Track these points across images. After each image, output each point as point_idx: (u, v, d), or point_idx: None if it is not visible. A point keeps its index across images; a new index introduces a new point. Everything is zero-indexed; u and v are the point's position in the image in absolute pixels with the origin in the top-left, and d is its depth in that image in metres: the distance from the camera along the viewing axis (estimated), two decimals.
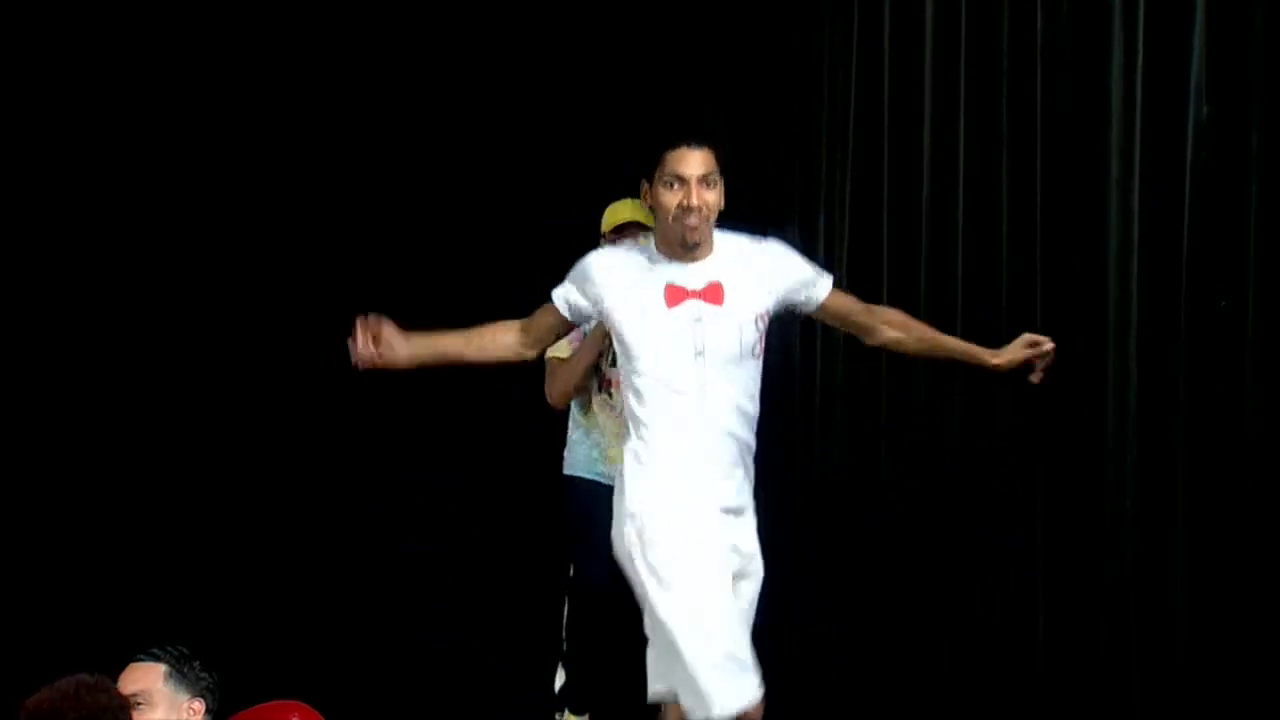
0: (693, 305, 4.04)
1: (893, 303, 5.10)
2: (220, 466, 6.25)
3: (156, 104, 6.23)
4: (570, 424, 5.46)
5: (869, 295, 5.14)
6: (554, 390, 5.38)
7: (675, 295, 4.06)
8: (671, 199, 4.02)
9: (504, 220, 6.20)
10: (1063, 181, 4.61)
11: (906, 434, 5.03)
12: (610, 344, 5.33)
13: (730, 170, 5.70)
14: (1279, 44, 4.13)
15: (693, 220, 4.01)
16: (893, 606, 5.09)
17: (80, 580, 6.06)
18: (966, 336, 4.89)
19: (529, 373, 5.35)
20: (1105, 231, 4.49)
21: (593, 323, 4.53)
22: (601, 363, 5.33)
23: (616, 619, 5.33)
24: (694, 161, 4.03)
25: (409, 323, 6.19)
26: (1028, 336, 4.28)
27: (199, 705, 3.71)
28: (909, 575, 5.01)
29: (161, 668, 3.70)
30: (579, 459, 5.43)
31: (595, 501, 5.38)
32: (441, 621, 6.15)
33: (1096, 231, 4.51)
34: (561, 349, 5.39)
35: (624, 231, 5.38)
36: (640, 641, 5.29)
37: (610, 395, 5.37)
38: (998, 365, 4.28)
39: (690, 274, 4.08)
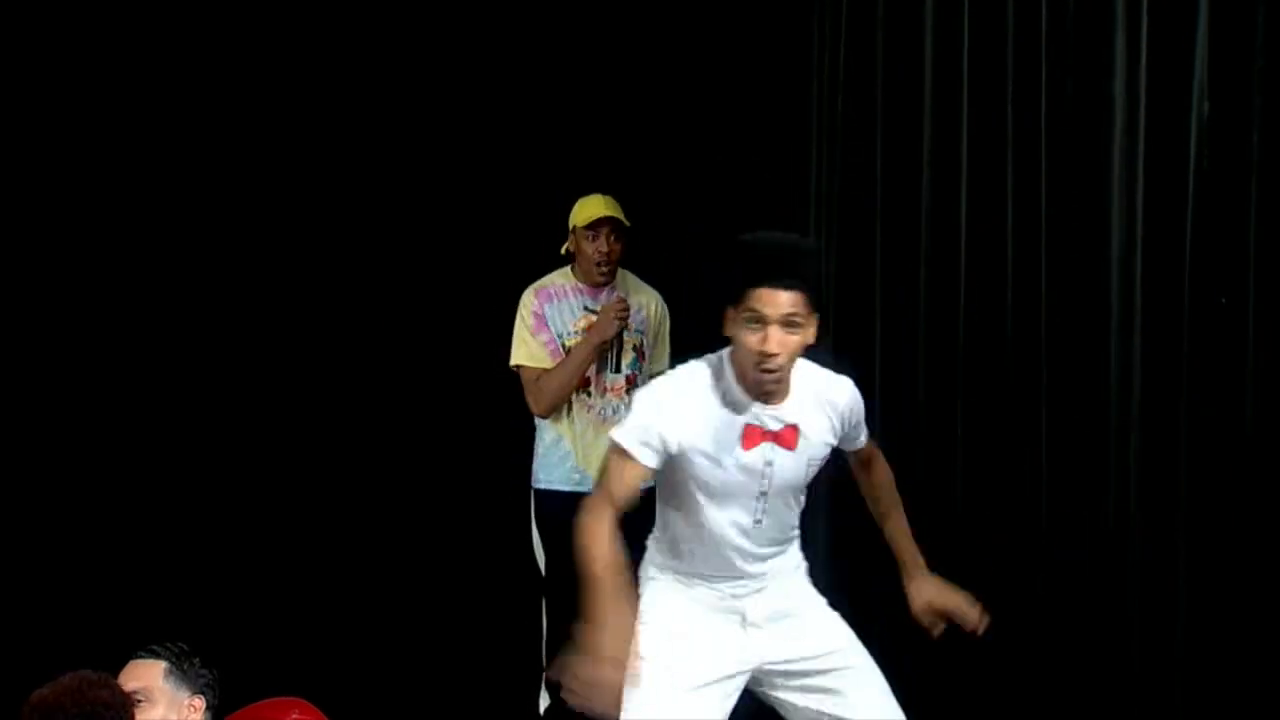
0: (766, 448, 3.87)
1: (888, 305, 5.11)
2: (219, 466, 6.25)
3: (156, 103, 6.23)
4: (538, 435, 5.40)
5: (862, 298, 5.14)
6: (543, 401, 5.32)
7: (752, 436, 3.85)
8: (751, 340, 3.72)
9: (492, 218, 6.20)
10: (1066, 180, 4.62)
11: (907, 432, 5.02)
12: (610, 350, 5.30)
13: (719, 171, 5.69)
14: None
15: (769, 371, 3.75)
16: (891, 604, 5.09)
17: (80, 579, 6.06)
18: (969, 338, 4.89)
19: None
20: (1108, 230, 4.50)
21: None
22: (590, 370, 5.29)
23: None
24: (778, 302, 3.70)
25: (399, 320, 6.23)
26: (957, 606, 4.13)
27: (199, 702, 3.72)
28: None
29: (162, 665, 3.71)
30: (553, 471, 5.37)
31: (571, 514, 5.32)
32: (428, 637, 6.13)
33: (1100, 230, 4.52)
34: (543, 360, 5.34)
35: (599, 227, 5.36)
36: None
37: (589, 394, 5.33)
38: (911, 594, 4.17)
39: (768, 414, 3.87)
